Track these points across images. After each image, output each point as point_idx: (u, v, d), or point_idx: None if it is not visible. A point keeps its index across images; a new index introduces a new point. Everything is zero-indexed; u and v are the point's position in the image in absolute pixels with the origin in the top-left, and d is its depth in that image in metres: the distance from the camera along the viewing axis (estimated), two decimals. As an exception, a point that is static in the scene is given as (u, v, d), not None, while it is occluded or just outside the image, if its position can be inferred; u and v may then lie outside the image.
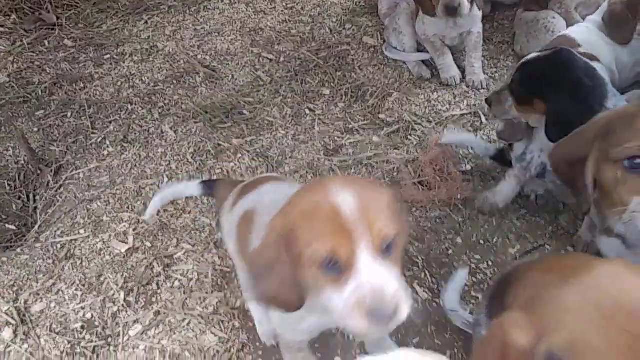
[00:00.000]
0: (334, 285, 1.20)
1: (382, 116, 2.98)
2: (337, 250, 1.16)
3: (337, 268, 1.18)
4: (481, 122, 2.86)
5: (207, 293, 2.14)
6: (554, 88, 1.90)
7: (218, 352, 1.94)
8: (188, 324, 2.04)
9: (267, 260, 1.28)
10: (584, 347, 0.87)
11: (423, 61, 3.28)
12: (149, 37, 3.74)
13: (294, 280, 1.25)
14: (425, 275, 2.11)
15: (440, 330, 1.90)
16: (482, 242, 2.23)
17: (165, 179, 2.68)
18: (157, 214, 2.47)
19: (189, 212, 2.49)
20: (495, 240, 2.24)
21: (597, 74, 1.92)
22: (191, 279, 2.21)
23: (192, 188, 2.12)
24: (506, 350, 0.96)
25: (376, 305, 1.15)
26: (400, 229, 1.26)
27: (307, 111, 3.05)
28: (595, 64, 2.08)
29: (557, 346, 0.90)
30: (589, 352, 0.87)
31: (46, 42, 3.73)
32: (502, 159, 2.45)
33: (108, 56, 3.57)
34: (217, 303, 2.11)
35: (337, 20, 3.80)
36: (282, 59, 3.49)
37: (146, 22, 3.89)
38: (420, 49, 3.30)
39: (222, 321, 2.05)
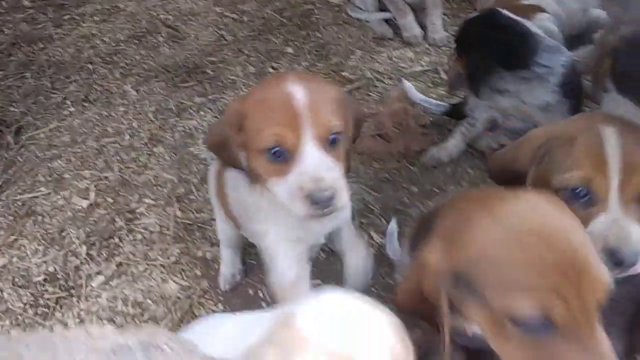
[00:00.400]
0: (279, 173, 1.30)
1: (345, 74, 3.00)
2: (283, 137, 1.26)
3: (283, 156, 1.28)
4: (440, 78, 2.91)
5: (168, 244, 2.17)
6: (471, 45, 2.16)
7: (179, 298, 1.99)
8: (150, 273, 2.08)
9: (220, 137, 1.40)
10: (489, 263, 0.95)
11: (386, 20, 3.31)
12: (110, -3, 3.68)
13: (240, 162, 1.40)
14: (381, 221, 2.17)
15: (392, 270, 1.97)
16: (436, 190, 2.30)
17: (127, 137, 2.68)
18: (118, 170, 2.48)
19: (151, 169, 2.51)
20: (449, 188, 2.31)
21: (525, 33, 2.07)
22: (153, 232, 2.24)
23: None
24: (422, 272, 1.04)
25: (315, 189, 1.25)
26: (346, 125, 1.35)
27: (271, 70, 3.06)
28: (540, 16, 2.18)
29: (465, 262, 0.98)
30: (493, 267, 0.95)
31: (3, 2, 3.65)
32: (457, 114, 2.51)
33: (68, 16, 3.52)
34: (178, 253, 2.14)
35: (301, -21, 3.79)
36: (245, 19, 3.48)
37: (107, -18, 3.82)
38: (382, 8, 3.31)
39: (184, 270, 2.09)
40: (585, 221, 1.19)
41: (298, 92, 1.28)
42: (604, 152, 1.18)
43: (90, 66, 3.13)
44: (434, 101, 2.65)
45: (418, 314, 1.13)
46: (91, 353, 0.67)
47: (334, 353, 0.76)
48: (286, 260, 1.55)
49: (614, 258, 1.18)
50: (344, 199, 1.30)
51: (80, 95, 2.95)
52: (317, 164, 1.27)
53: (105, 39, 3.33)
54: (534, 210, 1.00)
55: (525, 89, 2.15)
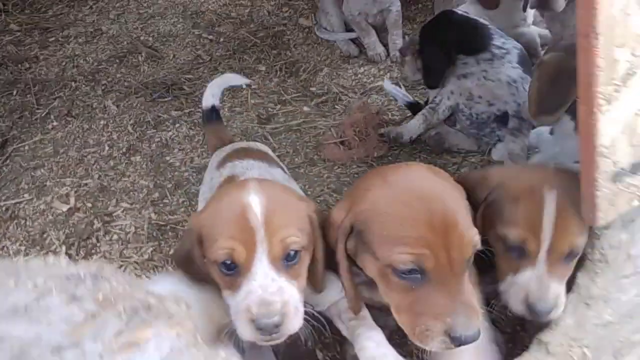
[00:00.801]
0: (231, 287, 1.24)
1: (312, 89, 3.22)
2: (234, 252, 1.20)
3: (235, 270, 1.22)
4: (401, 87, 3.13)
5: (142, 243, 2.34)
6: (425, 42, 2.51)
7: (151, 291, 2.14)
8: (124, 269, 2.23)
9: (184, 252, 1.36)
10: (376, 216, 1.18)
11: (352, 40, 3.53)
12: (93, 21, 3.90)
13: (206, 274, 1.32)
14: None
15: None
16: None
17: (107, 148, 2.86)
18: (98, 178, 2.66)
19: (128, 176, 2.68)
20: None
21: (478, 23, 2.45)
22: (128, 233, 2.40)
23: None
24: (329, 228, 1.28)
25: (261, 314, 1.16)
26: (309, 242, 1.28)
27: (244, 86, 3.26)
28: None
29: (359, 216, 1.19)
30: (379, 221, 1.18)
31: (-8, 26, 3.85)
32: (417, 109, 2.73)
33: (53, 39, 3.72)
34: (151, 251, 2.30)
35: (274, 3, 4.03)
36: (221, 40, 3.70)
37: (91, 7, 4.05)
38: (348, 29, 3.55)
39: (157, 266, 2.25)
40: (515, 271, 1.39)
41: (257, 203, 1.22)
42: (541, 217, 1.34)
43: (73, 84, 3.32)
44: (403, 92, 2.93)
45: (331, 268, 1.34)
46: (49, 278, 0.84)
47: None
48: None
49: (531, 310, 1.38)
50: (293, 326, 1.21)
51: (63, 111, 3.13)
52: (266, 286, 1.19)
53: (88, 59, 3.53)
54: (419, 178, 1.24)
55: (488, 67, 2.41)
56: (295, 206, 1.30)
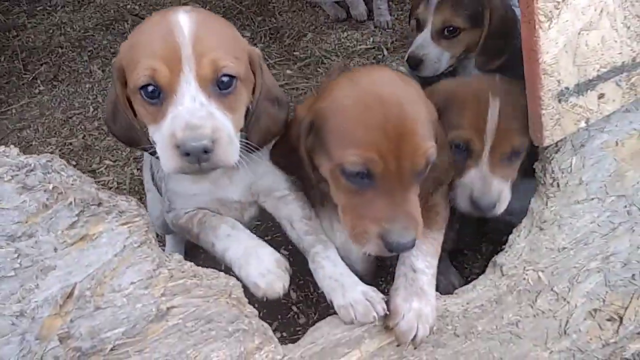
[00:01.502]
0: (156, 118, 1.09)
1: (296, 53, 3.25)
2: (156, 73, 1.05)
3: (159, 96, 1.08)
4: (383, 55, 3.16)
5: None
6: None
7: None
8: (106, 220, 2.29)
9: (112, 101, 1.22)
10: (334, 113, 1.19)
11: (338, 4, 3.56)
12: (81, -10, 3.93)
13: (129, 118, 1.18)
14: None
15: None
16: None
17: (92, 109, 2.90)
18: (82, 137, 2.71)
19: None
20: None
21: None
22: (111, 187, 2.45)
23: None
24: (293, 125, 1.29)
25: (187, 138, 1.01)
26: (246, 75, 1.18)
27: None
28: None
29: (319, 112, 1.21)
30: (335, 118, 1.19)
31: (-20, -3, 3.88)
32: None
33: (40, 7, 3.75)
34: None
35: (260, -28, 4.05)
36: (207, 7, 3.72)
37: (79, -22, 4.07)
38: (335, -7, 3.58)
39: (137, 217, 2.30)
40: (462, 172, 1.48)
41: (185, 22, 1.08)
42: (485, 119, 1.42)
43: (60, 50, 3.35)
44: None
45: (288, 168, 1.37)
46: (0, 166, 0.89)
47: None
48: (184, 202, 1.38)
49: (475, 205, 1.46)
50: (227, 157, 1.08)
51: (49, 75, 3.17)
52: (194, 108, 1.05)
53: (75, 27, 3.56)
54: (385, 82, 1.22)
55: None
56: (234, 36, 1.18)
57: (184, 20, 1.09)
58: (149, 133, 1.14)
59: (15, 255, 0.93)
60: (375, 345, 1.31)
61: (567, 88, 1.27)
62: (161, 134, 1.07)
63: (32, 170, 0.92)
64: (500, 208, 1.46)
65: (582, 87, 1.30)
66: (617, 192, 1.51)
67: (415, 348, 1.32)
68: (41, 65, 3.26)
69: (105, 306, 1.02)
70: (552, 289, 1.51)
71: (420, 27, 2.08)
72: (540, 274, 1.49)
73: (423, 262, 1.35)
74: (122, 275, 1.02)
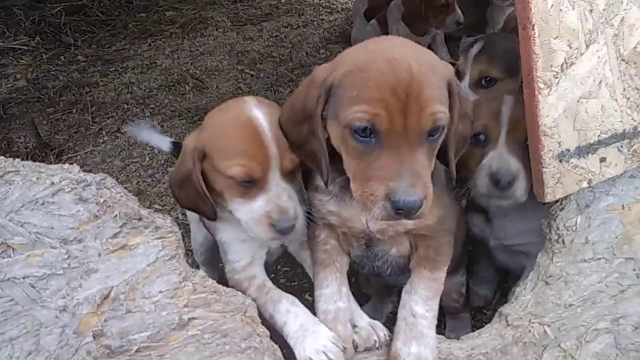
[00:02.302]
0: (244, 196, 1.40)
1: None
2: (253, 169, 1.35)
3: (251, 183, 1.38)
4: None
5: (167, 238, 2.58)
6: None
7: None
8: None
9: (183, 173, 1.45)
10: (349, 74, 1.21)
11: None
12: (150, 55, 4.34)
13: (204, 193, 1.44)
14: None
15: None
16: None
17: (147, 159, 3.17)
18: (136, 183, 2.96)
19: (163, 183, 2.96)
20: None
21: None
22: (157, 229, 2.65)
23: (163, 142, 2.42)
24: (310, 85, 1.30)
25: (281, 219, 1.37)
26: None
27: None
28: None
29: (336, 76, 1.23)
30: (351, 78, 1.21)
31: (62, 57, 4.34)
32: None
33: (113, 69, 4.17)
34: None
35: (313, 46, 4.38)
36: (261, 75, 4.04)
37: (149, 45, 4.51)
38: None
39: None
40: (481, 159, 1.57)
41: (261, 120, 1.37)
42: (500, 111, 1.56)
43: (125, 106, 3.70)
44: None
45: (298, 140, 1.36)
46: (63, 179, 1.08)
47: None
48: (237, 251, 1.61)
49: (494, 178, 1.51)
50: (302, 228, 1.44)
51: (114, 128, 3.49)
52: (280, 194, 1.38)
53: (141, 87, 3.93)
54: (399, 47, 1.25)
55: None
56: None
57: (261, 119, 1.38)
58: (228, 205, 1.45)
59: (66, 257, 1.10)
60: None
61: (567, 150, 1.38)
62: (251, 211, 1.40)
63: (88, 185, 1.10)
64: (519, 188, 1.51)
65: (583, 150, 1.41)
66: (624, 255, 1.57)
67: None
68: (107, 118, 3.60)
69: (135, 310, 1.16)
70: (559, 345, 1.56)
71: (459, 77, 2.21)
72: (546, 328, 1.54)
73: (423, 307, 1.43)
74: (153, 284, 1.17)
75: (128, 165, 3.14)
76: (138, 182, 2.98)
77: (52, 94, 3.88)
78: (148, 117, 3.58)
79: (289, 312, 1.45)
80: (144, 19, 4.94)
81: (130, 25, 4.83)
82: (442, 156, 1.35)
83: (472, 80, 2.17)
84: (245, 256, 1.58)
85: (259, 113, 1.38)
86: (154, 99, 3.79)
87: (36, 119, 3.62)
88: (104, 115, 3.63)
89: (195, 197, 1.45)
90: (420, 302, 1.44)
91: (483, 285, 2.10)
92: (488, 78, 2.14)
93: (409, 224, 1.43)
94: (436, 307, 1.45)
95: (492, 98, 1.66)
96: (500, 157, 1.54)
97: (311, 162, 1.37)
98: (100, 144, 3.38)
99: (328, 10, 5.07)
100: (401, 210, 1.15)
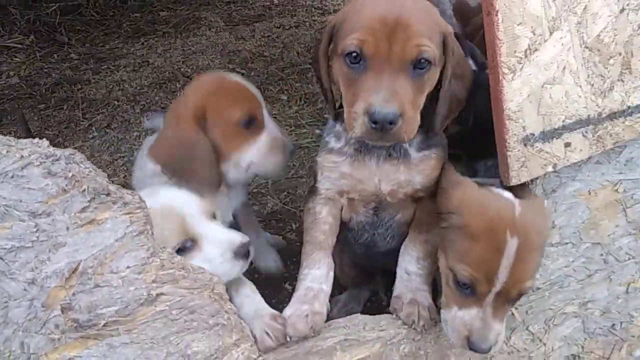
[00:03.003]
0: (250, 139, 1.69)
1: (327, 116, 3.50)
2: (254, 112, 1.68)
3: (252, 126, 1.68)
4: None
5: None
6: None
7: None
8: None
9: (186, 144, 1.57)
10: (349, 14, 1.36)
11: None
12: (142, 54, 4.39)
13: (213, 158, 1.62)
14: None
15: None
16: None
17: (135, 154, 3.20)
18: (123, 177, 2.99)
19: (150, 177, 2.99)
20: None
21: None
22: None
23: None
24: (325, 32, 1.43)
25: (283, 144, 1.72)
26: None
27: (264, 110, 3.58)
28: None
29: (339, 16, 1.39)
30: (350, 16, 1.35)
31: (55, 55, 4.38)
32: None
33: (105, 66, 4.20)
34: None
35: (305, 46, 4.42)
36: (252, 74, 4.07)
37: (142, 44, 4.56)
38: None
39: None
40: (461, 305, 1.36)
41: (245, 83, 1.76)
42: (499, 263, 1.29)
43: (116, 103, 3.74)
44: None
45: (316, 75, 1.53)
46: (32, 153, 1.11)
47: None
48: None
49: (471, 346, 1.33)
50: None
51: (103, 124, 3.53)
52: (277, 130, 1.76)
53: (132, 84, 3.97)
54: None
55: None
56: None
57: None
58: (241, 151, 1.70)
59: (35, 230, 1.13)
60: (347, 358, 1.42)
61: (532, 134, 1.42)
62: (263, 145, 1.71)
63: (57, 160, 1.13)
64: (496, 349, 1.37)
65: (548, 135, 1.44)
66: (591, 240, 1.60)
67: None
68: (98, 114, 3.64)
69: (104, 285, 1.19)
70: (527, 329, 1.59)
71: None
72: (514, 311, 1.57)
73: (415, 266, 1.54)
74: (121, 259, 1.20)
75: (116, 160, 3.17)
76: (125, 176, 3.01)
77: (43, 90, 3.91)
78: (138, 113, 3.62)
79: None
80: (138, 18, 4.99)
81: (124, 24, 4.88)
82: (433, 114, 1.44)
83: None
84: None
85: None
86: (144, 96, 3.82)
87: (27, 114, 3.66)
88: (94, 112, 3.66)
89: (201, 168, 1.59)
90: (413, 261, 1.54)
91: None
92: None
93: (415, 182, 1.50)
94: (429, 266, 1.54)
95: (491, 233, 1.30)
96: (483, 324, 1.34)
97: (324, 95, 1.54)
98: (90, 139, 3.41)
99: (320, 11, 5.12)
100: (376, 124, 1.24)
